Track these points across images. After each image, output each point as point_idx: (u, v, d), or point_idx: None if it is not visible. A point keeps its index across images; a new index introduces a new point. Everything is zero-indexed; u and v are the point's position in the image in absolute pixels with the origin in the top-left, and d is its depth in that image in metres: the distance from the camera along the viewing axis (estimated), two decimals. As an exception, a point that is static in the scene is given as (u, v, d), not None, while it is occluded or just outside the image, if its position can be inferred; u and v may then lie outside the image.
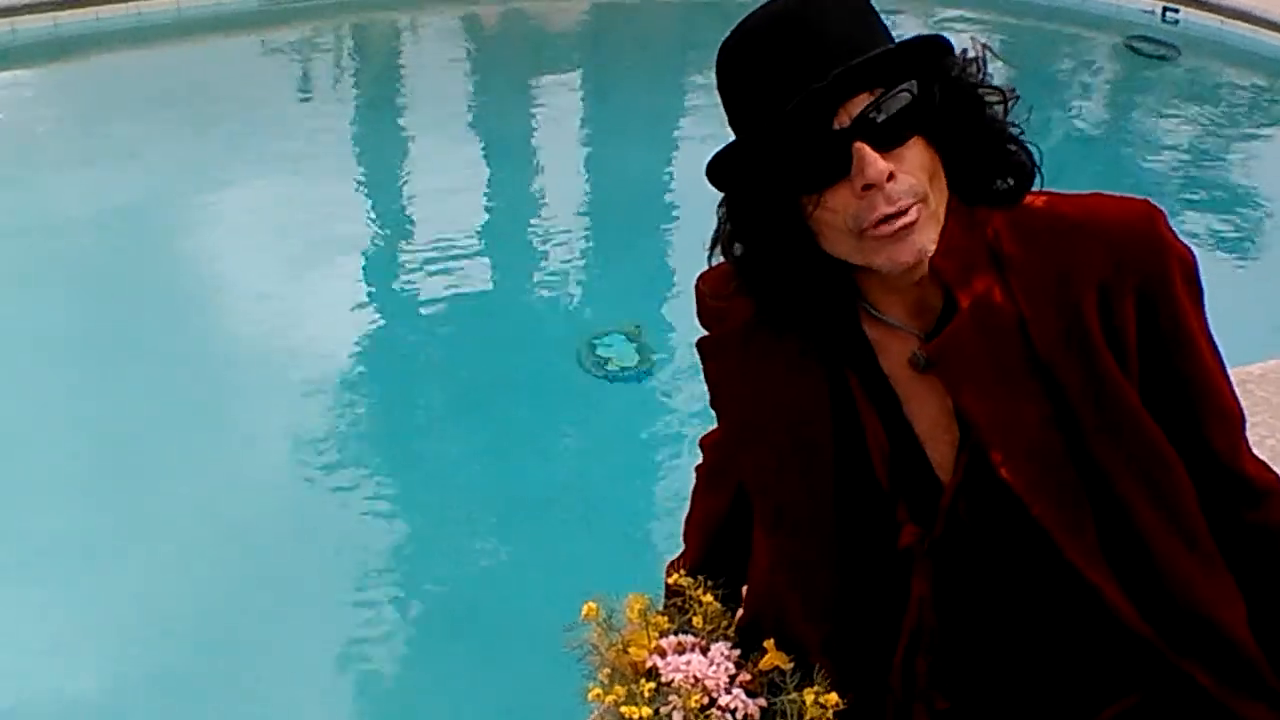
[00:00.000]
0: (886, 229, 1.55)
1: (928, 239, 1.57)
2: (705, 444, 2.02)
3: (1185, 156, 6.83)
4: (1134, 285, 1.62)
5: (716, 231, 1.71)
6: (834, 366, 1.72)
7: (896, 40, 1.58)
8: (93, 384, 4.97)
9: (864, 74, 1.52)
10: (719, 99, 1.64)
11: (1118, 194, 1.70)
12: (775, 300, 1.72)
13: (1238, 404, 1.73)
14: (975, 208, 1.65)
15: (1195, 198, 6.47)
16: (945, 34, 1.60)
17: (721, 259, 1.74)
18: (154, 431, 4.73)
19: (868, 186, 1.53)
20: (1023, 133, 1.65)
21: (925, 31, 1.59)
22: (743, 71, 1.59)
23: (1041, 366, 1.63)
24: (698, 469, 2.05)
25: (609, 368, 5.04)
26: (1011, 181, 1.64)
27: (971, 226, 1.65)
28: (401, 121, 7.69)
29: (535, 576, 3.98)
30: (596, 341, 5.16)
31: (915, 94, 1.55)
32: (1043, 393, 1.63)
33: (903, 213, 1.54)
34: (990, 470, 1.65)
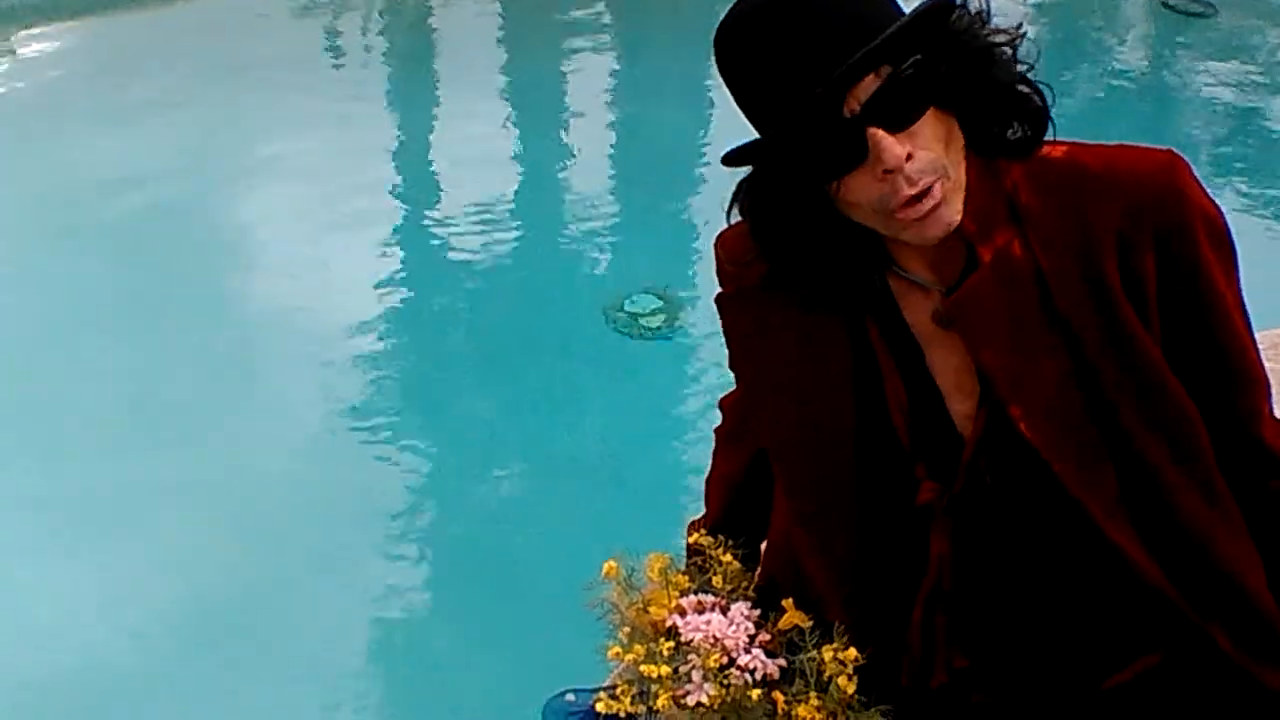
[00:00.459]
0: (913, 212, 1.53)
1: (954, 211, 1.56)
2: (724, 405, 2.02)
3: (1222, 116, 6.75)
4: (1153, 236, 1.60)
5: (735, 195, 1.69)
6: (855, 319, 1.71)
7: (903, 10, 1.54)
8: (122, 342, 4.99)
9: (870, 58, 1.49)
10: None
11: (1141, 145, 1.67)
12: (794, 263, 1.71)
13: (1263, 369, 1.70)
14: (994, 160, 1.63)
15: (1232, 159, 6.40)
16: None
17: (740, 218, 1.73)
18: (182, 387, 4.77)
19: (888, 171, 1.51)
20: (1031, 69, 1.61)
21: None
22: (744, 59, 1.56)
23: (1060, 320, 1.62)
24: (717, 430, 2.05)
25: (637, 327, 5.04)
26: (1027, 129, 1.62)
27: (991, 179, 1.63)
28: (432, 81, 7.68)
29: (562, 534, 3.99)
30: (625, 300, 5.15)
31: (922, 67, 1.52)
32: (1063, 347, 1.62)
33: (928, 192, 1.52)
34: (1010, 426, 1.64)
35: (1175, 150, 1.65)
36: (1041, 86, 1.61)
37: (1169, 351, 1.64)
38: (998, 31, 1.59)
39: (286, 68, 7.39)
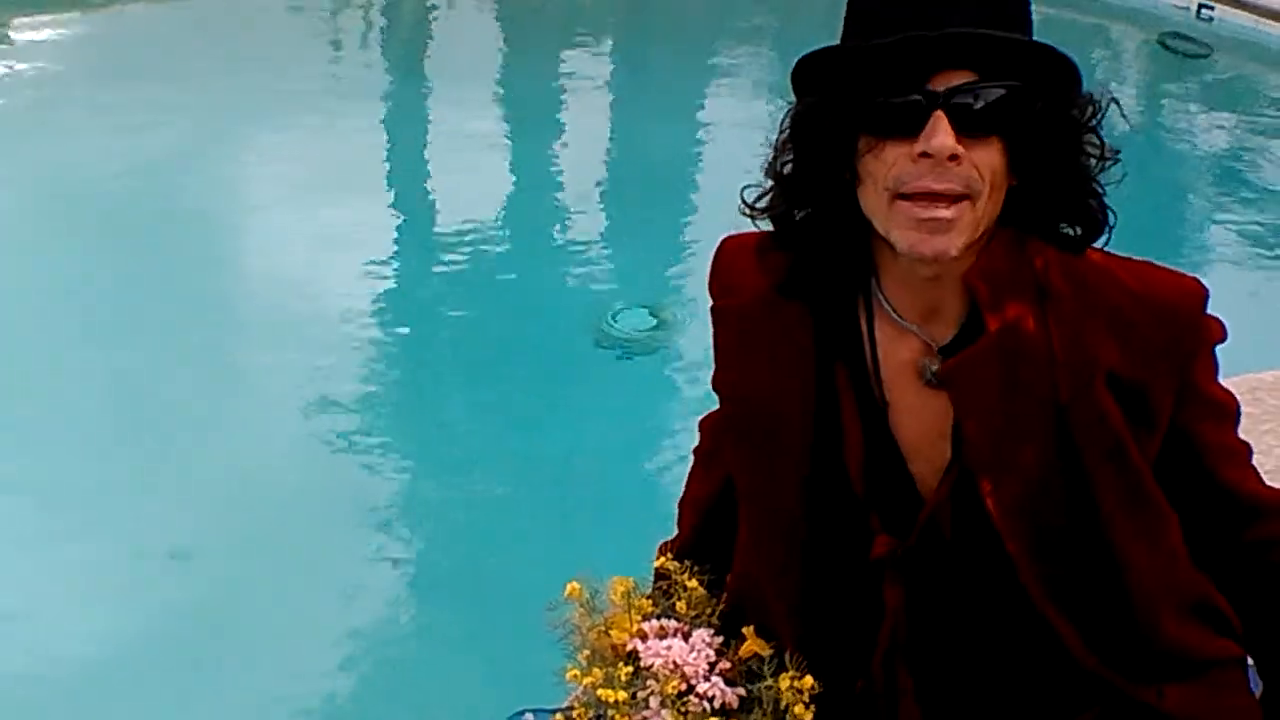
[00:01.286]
0: (918, 210, 1.52)
1: (954, 244, 1.54)
2: (704, 425, 2.00)
3: (1217, 157, 6.77)
4: (1176, 361, 1.63)
5: (771, 160, 1.67)
6: (827, 359, 1.70)
7: (1034, 36, 1.55)
8: (113, 338, 4.99)
9: (977, 51, 1.49)
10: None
11: (1172, 269, 1.69)
12: (799, 247, 1.69)
13: (1243, 442, 1.75)
14: (1027, 236, 1.63)
15: (1226, 199, 6.41)
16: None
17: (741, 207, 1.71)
18: (172, 386, 4.76)
19: (926, 155, 1.50)
20: (1105, 191, 1.62)
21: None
22: None
23: (1058, 409, 1.61)
24: (695, 450, 2.04)
25: (626, 342, 5.04)
26: (1079, 230, 1.62)
27: (1018, 251, 1.62)
28: (428, 86, 7.72)
29: (539, 550, 3.98)
30: (615, 315, 5.15)
31: (1017, 96, 1.51)
32: (1054, 436, 1.62)
33: (946, 201, 1.52)
34: (976, 497, 1.64)
35: (1200, 279, 1.68)
36: (1109, 210, 1.62)
37: (1164, 449, 1.67)
38: (1098, 140, 1.59)
39: (283, 67, 7.42)
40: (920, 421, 1.68)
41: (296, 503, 4.26)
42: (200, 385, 4.79)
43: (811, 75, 1.59)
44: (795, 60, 1.59)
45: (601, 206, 6.26)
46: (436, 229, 6.05)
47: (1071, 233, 1.63)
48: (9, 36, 7.74)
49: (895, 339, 1.68)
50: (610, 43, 8.23)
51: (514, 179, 6.53)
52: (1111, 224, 1.63)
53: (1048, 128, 1.55)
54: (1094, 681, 1.70)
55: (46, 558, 3.92)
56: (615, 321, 5.12)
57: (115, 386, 4.73)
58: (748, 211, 1.72)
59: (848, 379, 1.69)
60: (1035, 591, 1.65)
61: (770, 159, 1.67)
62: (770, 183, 1.68)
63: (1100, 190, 1.61)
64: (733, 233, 1.80)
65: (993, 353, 1.61)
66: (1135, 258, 1.69)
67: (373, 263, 5.61)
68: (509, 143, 6.93)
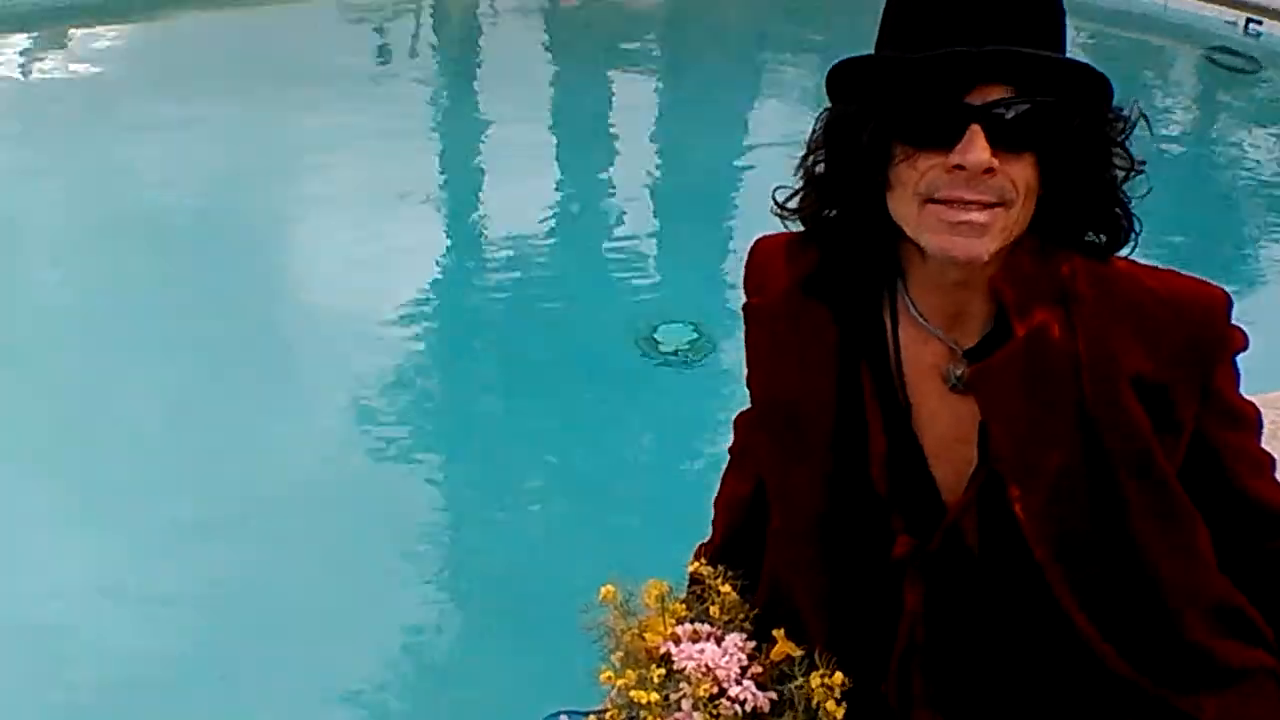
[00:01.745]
0: (951, 213, 1.54)
1: (986, 248, 1.56)
2: (738, 422, 2.02)
3: (1264, 172, 6.73)
4: (1199, 365, 1.65)
5: (803, 157, 1.70)
6: (852, 358, 1.72)
7: (1068, 53, 1.57)
8: (156, 340, 5.06)
9: (1014, 67, 1.51)
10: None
11: (1196, 277, 1.72)
12: (827, 247, 1.71)
13: (1265, 452, 1.77)
14: (1053, 244, 1.65)
15: (1272, 214, 6.38)
16: None
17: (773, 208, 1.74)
18: (215, 388, 4.83)
19: (960, 168, 1.52)
20: (1130, 200, 1.65)
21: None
22: None
23: (1085, 415, 1.63)
24: (730, 448, 2.06)
25: (668, 353, 5.06)
26: (1104, 239, 1.65)
27: (1045, 258, 1.64)
28: (476, 98, 7.76)
29: (581, 554, 4.00)
30: (658, 326, 5.18)
31: (1054, 112, 1.54)
32: (1080, 440, 1.64)
33: (980, 207, 1.54)
34: (1004, 502, 1.65)
35: (1224, 288, 1.71)
36: (1135, 218, 1.64)
37: (1187, 457, 1.68)
38: (1125, 153, 1.62)
39: (332, 76, 7.47)
40: (943, 424, 1.70)
41: (338, 505, 4.31)
42: (244, 391, 4.85)
43: (847, 82, 1.62)
44: (830, 66, 1.62)
45: (644, 218, 6.29)
46: (481, 239, 6.11)
47: (1097, 241, 1.65)
48: (66, 44, 7.85)
49: (919, 342, 1.70)
50: (653, 55, 8.26)
51: (558, 191, 6.55)
52: (1138, 231, 1.65)
53: (1080, 142, 1.57)
54: (1124, 688, 1.71)
55: (87, 554, 3.98)
56: (658, 332, 5.14)
57: (158, 388, 4.79)
58: (778, 211, 1.75)
59: (871, 380, 1.71)
60: (1063, 597, 1.66)
61: (802, 159, 1.70)
62: (802, 182, 1.71)
63: (1126, 199, 1.64)
64: (767, 233, 1.83)
65: (1020, 358, 1.63)
66: (1160, 266, 1.71)
67: (417, 272, 5.66)
68: (552, 155, 6.96)
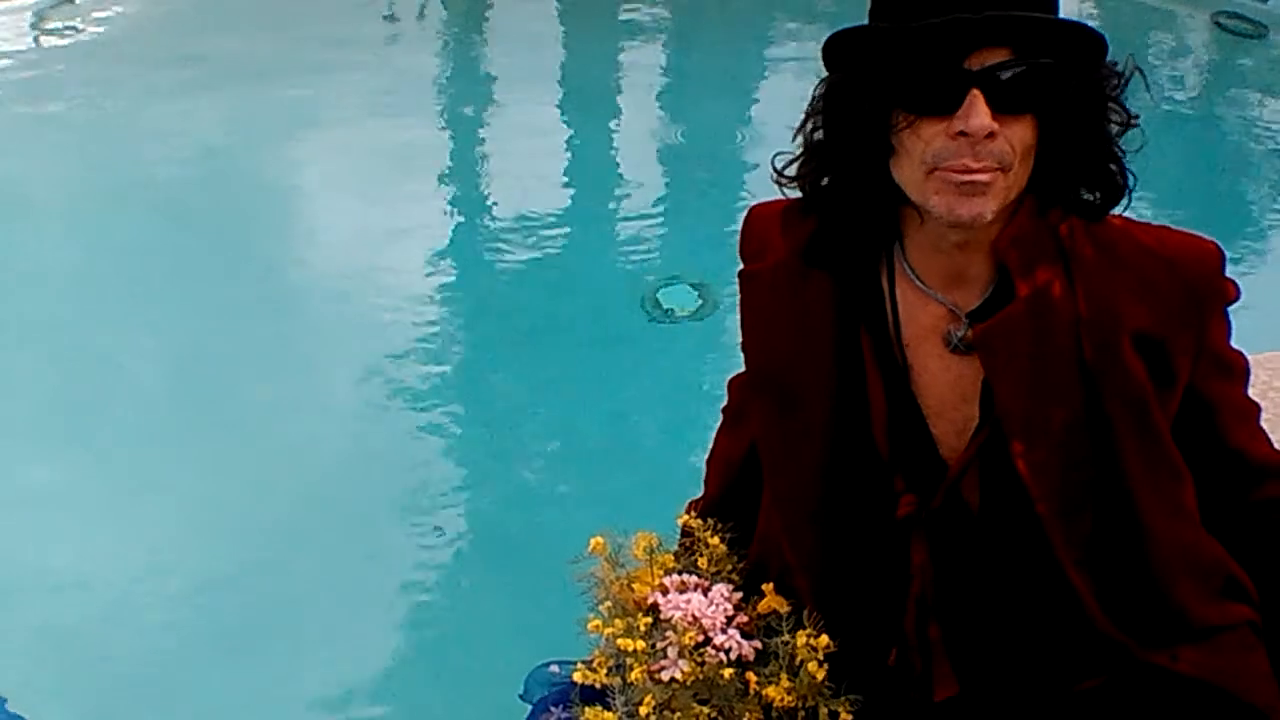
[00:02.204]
0: (956, 176, 1.57)
1: (990, 207, 1.59)
2: (732, 384, 2.06)
3: (1270, 136, 6.71)
4: (1194, 319, 1.68)
5: (802, 123, 1.72)
6: (850, 323, 1.75)
7: (1061, 15, 1.60)
8: (169, 311, 5.08)
9: (1012, 30, 1.54)
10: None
11: (1188, 231, 1.76)
12: (826, 215, 1.74)
13: (1252, 402, 1.82)
14: (1050, 204, 1.68)
15: (1277, 179, 6.38)
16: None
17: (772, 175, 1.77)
18: (226, 356, 4.85)
19: (963, 134, 1.55)
20: (1125, 154, 1.68)
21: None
22: None
23: (1086, 370, 1.66)
24: (723, 409, 2.09)
25: (672, 314, 5.08)
26: (1098, 196, 1.68)
27: (1044, 220, 1.67)
28: (480, 65, 7.75)
29: (584, 515, 4.03)
30: (661, 288, 5.20)
31: (1051, 73, 1.56)
32: (1080, 395, 1.67)
33: (981, 171, 1.56)
34: (1006, 458, 1.69)
35: (1216, 241, 1.75)
36: (1130, 172, 1.67)
37: (1182, 407, 1.72)
38: (1121, 108, 1.65)
39: (339, 39, 7.48)
40: (943, 385, 1.73)
41: (343, 466, 4.34)
42: (254, 354, 4.88)
43: (845, 51, 1.64)
44: (828, 36, 1.63)
45: (649, 182, 6.29)
46: (485, 202, 6.12)
47: (1092, 198, 1.68)
48: (75, 6, 7.86)
49: (918, 305, 1.73)
50: (660, 19, 8.24)
51: (563, 155, 6.56)
52: (1131, 188, 1.68)
53: (1077, 101, 1.60)
54: (1108, 645, 1.75)
55: (103, 530, 4.00)
56: (661, 293, 5.17)
57: (173, 363, 4.82)
58: (777, 178, 1.78)
59: (871, 344, 1.74)
60: (1061, 552, 1.69)
61: (800, 126, 1.72)
62: (801, 149, 1.73)
63: (1122, 153, 1.66)
64: (763, 200, 1.86)
65: (1024, 317, 1.66)
66: (1153, 223, 1.75)
67: (421, 235, 5.67)
68: (557, 119, 6.95)
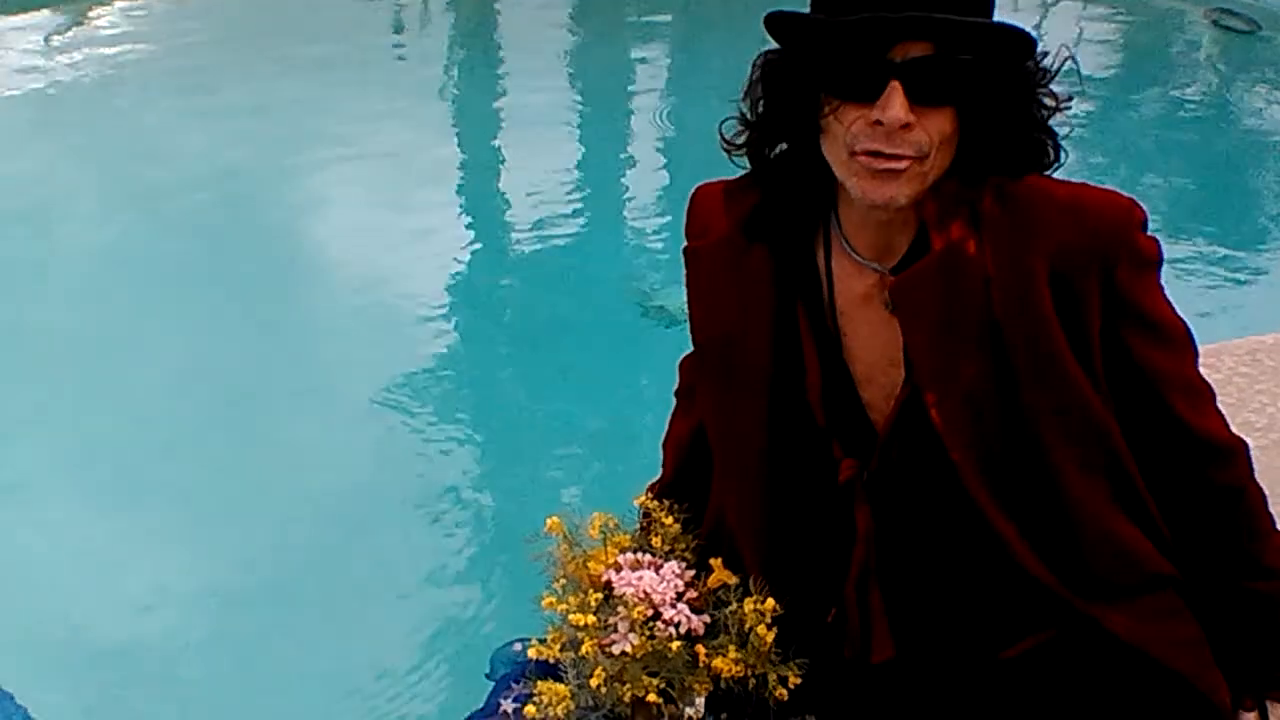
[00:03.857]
0: (872, 162, 1.62)
1: (904, 193, 1.64)
2: (682, 365, 2.09)
3: (1264, 130, 6.75)
4: (1102, 272, 1.69)
5: (745, 90, 1.76)
6: (788, 294, 1.79)
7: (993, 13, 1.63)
8: (180, 316, 5.18)
9: (934, 26, 1.57)
10: None
11: (1106, 187, 1.77)
12: (764, 183, 1.78)
13: (1205, 381, 1.82)
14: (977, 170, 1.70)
15: (1270, 172, 6.41)
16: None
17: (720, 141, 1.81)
18: (236, 357, 4.95)
19: (879, 123, 1.59)
20: (1063, 136, 1.71)
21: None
22: None
23: (994, 324, 1.69)
24: (675, 391, 2.13)
25: (668, 313, 5.13)
26: (1027, 167, 1.71)
27: (966, 181, 1.70)
28: (484, 67, 7.82)
29: (581, 509, 4.07)
30: (657, 288, 5.25)
31: (970, 69, 1.60)
32: (989, 349, 1.70)
33: (895, 158, 1.61)
34: (923, 411, 1.73)
35: (1135, 199, 1.75)
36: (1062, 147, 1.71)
37: (1113, 371, 1.74)
38: (1049, 94, 1.68)
39: (344, 48, 7.55)
40: (872, 350, 1.78)
41: (353, 466, 4.41)
42: (266, 359, 4.96)
43: (783, 30, 1.69)
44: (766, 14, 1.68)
45: (648, 182, 6.35)
46: (487, 203, 6.21)
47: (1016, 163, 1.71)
48: (85, 22, 7.94)
49: (852, 274, 1.77)
50: (664, 22, 8.30)
51: (563, 156, 6.63)
52: (1062, 162, 1.72)
53: (998, 95, 1.64)
54: (1047, 597, 1.78)
55: (121, 530, 4.07)
56: (659, 292, 5.22)
57: (188, 366, 4.90)
58: (725, 145, 1.82)
59: (805, 313, 1.78)
60: (982, 501, 1.73)
61: (743, 97, 1.77)
62: (743, 119, 1.78)
63: (1053, 136, 1.70)
64: (703, 181, 1.91)
65: (936, 270, 1.70)
66: (1074, 181, 1.77)
67: (424, 236, 5.77)
68: (559, 121, 7.02)
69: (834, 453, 1.81)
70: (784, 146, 1.77)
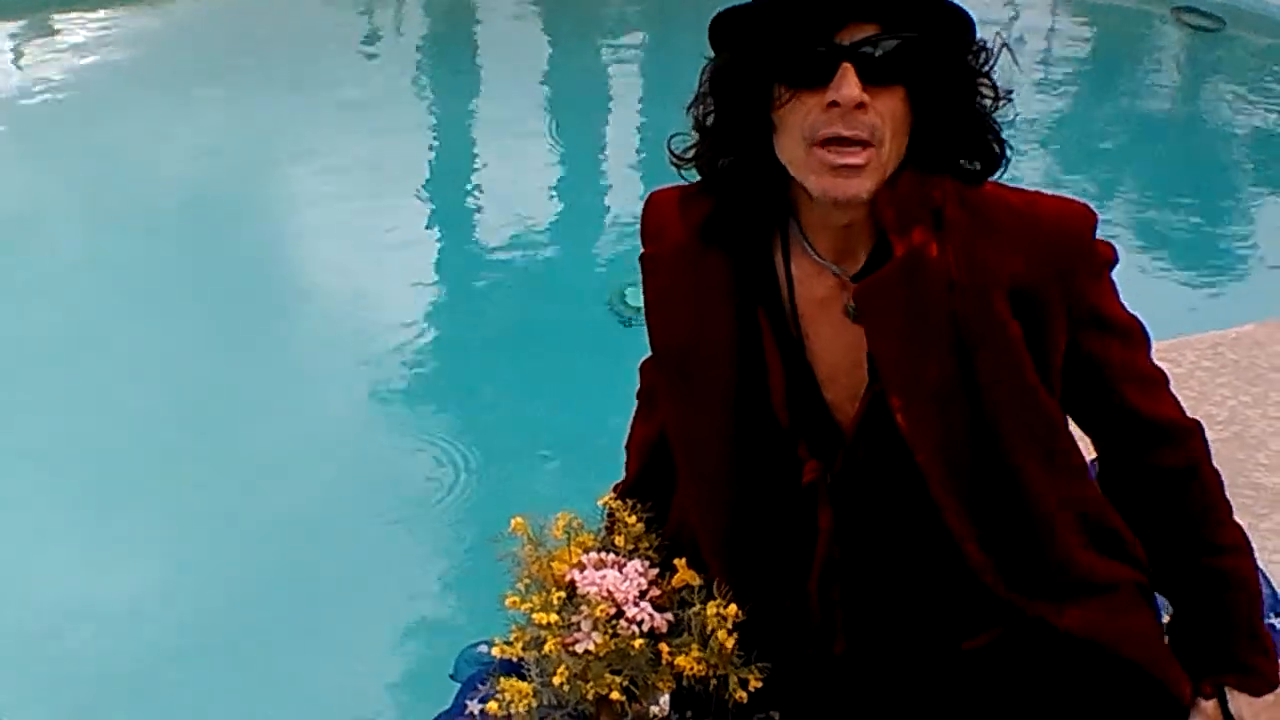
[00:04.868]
0: (833, 157, 1.63)
1: (865, 187, 1.65)
2: (643, 369, 2.12)
3: (1228, 127, 6.81)
4: (1059, 278, 1.74)
5: (692, 102, 1.78)
6: (747, 298, 1.80)
7: None
8: (164, 325, 5.13)
9: (880, 6, 1.60)
10: None
11: (1060, 195, 1.81)
12: (720, 192, 1.78)
13: (1157, 369, 1.87)
14: (931, 175, 1.73)
15: (1233, 170, 6.49)
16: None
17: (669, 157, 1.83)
18: (218, 363, 4.92)
19: (834, 104, 1.61)
20: (999, 128, 1.73)
21: None
22: None
23: (958, 328, 1.72)
24: (637, 394, 2.15)
25: (639, 314, 5.14)
26: (978, 165, 1.73)
27: (921, 184, 1.72)
28: (458, 72, 7.82)
29: (550, 506, 4.08)
30: (629, 288, 5.26)
31: (916, 46, 1.62)
32: (952, 352, 1.73)
33: (857, 146, 1.62)
34: (888, 414, 1.75)
35: (1089, 204, 1.80)
36: (1007, 145, 1.73)
37: (1069, 371, 1.78)
38: (990, 84, 1.71)
39: (315, 55, 7.55)
40: (835, 352, 1.79)
41: (329, 468, 4.39)
42: (243, 364, 4.95)
43: (727, 31, 1.70)
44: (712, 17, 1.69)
45: (620, 184, 6.37)
46: (457, 206, 6.20)
47: (971, 168, 1.74)
48: (52, 32, 7.92)
49: (812, 276, 1.79)
50: (633, 28, 8.32)
51: (535, 159, 6.63)
52: (1008, 158, 1.74)
53: (945, 75, 1.66)
54: (995, 599, 1.81)
55: (103, 535, 4.04)
56: (628, 294, 5.24)
57: (167, 369, 4.87)
58: (675, 161, 1.84)
59: (766, 316, 1.80)
60: (945, 505, 1.76)
61: (691, 108, 1.78)
62: (693, 131, 1.79)
63: (997, 128, 1.73)
64: (658, 188, 1.92)
65: (899, 275, 1.72)
66: (1028, 189, 1.81)
67: (402, 243, 5.75)
68: (530, 126, 7.00)
69: (799, 453, 1.82)
70: (732, 159, 1.77)
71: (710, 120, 1.76)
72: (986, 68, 1.70)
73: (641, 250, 1.93)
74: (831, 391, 1.81)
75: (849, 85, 1.60)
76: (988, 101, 1.71)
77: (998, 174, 1.76)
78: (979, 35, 1.69)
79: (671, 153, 1.84)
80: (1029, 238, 1.73)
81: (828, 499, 1.83)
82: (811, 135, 1.64)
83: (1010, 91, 1.73)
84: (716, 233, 1.81)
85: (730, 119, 1.73)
